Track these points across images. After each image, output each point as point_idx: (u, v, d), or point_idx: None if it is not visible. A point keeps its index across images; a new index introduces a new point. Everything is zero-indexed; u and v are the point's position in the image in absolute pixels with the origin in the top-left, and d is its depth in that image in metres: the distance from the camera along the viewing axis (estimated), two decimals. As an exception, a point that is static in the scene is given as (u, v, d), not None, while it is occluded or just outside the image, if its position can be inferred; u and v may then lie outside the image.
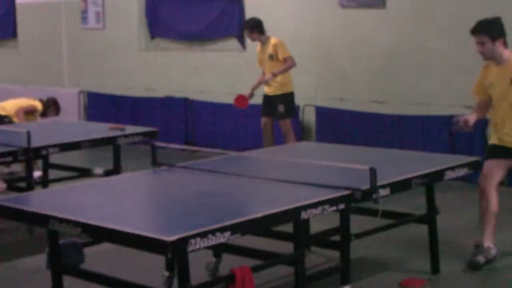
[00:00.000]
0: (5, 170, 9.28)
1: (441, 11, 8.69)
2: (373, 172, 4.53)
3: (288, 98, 8.95)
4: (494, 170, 5.72)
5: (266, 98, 9.08)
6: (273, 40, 8.89)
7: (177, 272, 4.02)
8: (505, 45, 5.75)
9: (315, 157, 5.73)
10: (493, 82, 5.75)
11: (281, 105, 8.92)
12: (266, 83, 8.92)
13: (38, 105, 9.00)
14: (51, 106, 9.07)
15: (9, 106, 8.90)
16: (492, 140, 5.87)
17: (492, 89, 5.76)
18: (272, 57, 8.85)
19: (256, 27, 8.92)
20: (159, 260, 4.85)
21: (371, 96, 9.22)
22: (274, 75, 8.79)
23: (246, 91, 9.07)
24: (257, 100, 10.14)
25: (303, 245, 4.65)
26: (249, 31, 8.97)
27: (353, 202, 4.56)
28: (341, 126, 9.42)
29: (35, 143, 6.58)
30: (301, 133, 9.74)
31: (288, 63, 8.79)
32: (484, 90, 5.83)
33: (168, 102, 11.20)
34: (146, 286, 4.28)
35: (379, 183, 4.57)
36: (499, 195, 5.70)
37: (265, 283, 5.26)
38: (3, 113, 8.82)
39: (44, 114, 9.05)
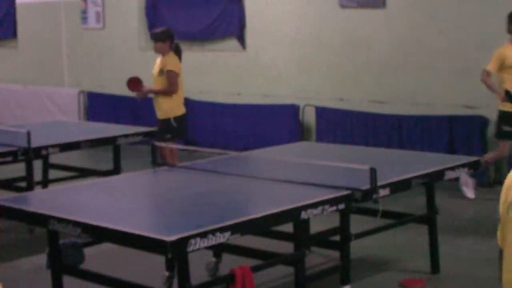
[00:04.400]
0: None
1: (441, 11, 8.69)
2: (373, 172, 4.53)
3: None
4: None
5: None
6: None
7: (177, 272, 4.03)
8: None
9: (315, 157, 5.73)
10: None
11: None
12: None
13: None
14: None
15: None
16: None
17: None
18: None
19: None
20: (159, 260, 4.85)
21: (371, 96, 9.21)
22: None
23: None
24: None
25: (303, 245, 4.65)
26: None
27: (353, 202, 4.56)
28: (341, 126, 9.41)
29: (35, 143, 6.57)
30: (301, 133, 9.74)
31: None
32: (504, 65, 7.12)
33: (168, 102, 11.19)
34: (146, 286, 4.29)
35: (379, 183, 4.57)
36: (495, 194, 5.66)
37: (265, 283, 5.25)
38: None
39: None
